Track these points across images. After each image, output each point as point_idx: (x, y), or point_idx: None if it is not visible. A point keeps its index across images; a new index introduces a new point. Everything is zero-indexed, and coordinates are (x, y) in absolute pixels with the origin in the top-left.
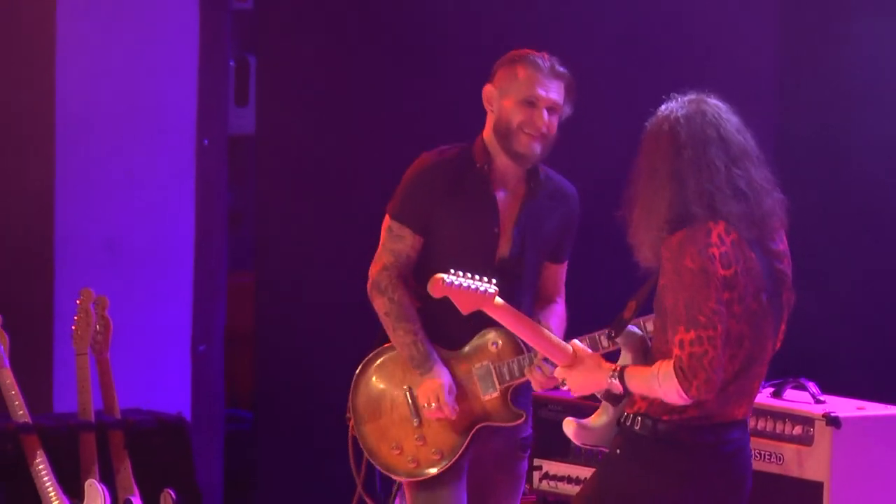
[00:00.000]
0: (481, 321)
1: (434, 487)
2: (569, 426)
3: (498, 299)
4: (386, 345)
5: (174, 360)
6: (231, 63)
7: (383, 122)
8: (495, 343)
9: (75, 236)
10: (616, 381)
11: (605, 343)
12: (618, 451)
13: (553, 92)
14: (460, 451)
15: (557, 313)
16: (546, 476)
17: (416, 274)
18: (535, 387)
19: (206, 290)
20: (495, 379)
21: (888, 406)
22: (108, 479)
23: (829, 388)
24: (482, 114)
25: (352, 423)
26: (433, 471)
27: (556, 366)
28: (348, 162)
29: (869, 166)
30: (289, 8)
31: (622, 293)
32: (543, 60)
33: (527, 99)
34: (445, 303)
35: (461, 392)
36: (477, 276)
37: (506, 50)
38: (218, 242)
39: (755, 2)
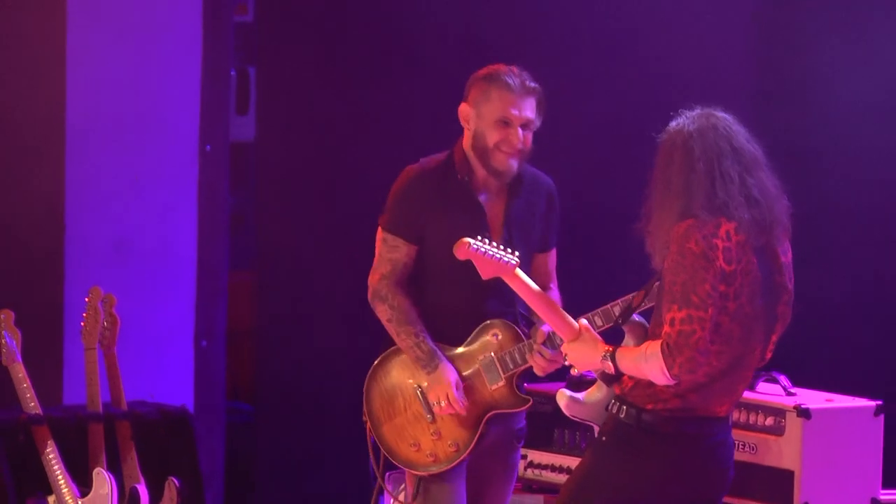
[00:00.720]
0: (478, 316)
1: (444, 479)
2: (562, 397)
3: (518, 270)
4: (392, 348)
5: (178, 354)
6: (232, 73)
7: (377, 130)
8: (496, 334)
9: (85, 237)
10: (608, 362)
11: (598, 321)
12: (603, 438)
13: (526, 109)
14: (475, 441)
15: (553, 299)
16: (531, 465)
17: (410, 282)
18: (538, 371)
19: (209, 288)
20: (499, 369)
21: (855, 398)
22: (114, 468)
23: (799, 381)
24: None
25: (369, 425)
26: (452, 462)
27: (554, 349)
28: (343, 167)
29: (837, 167)
30: (287, 21)
31: (609, 280)
32: (514, 78)
33: (501, 119)
34: (444, 303)
35: (469, 385)
36: (501, 246)
37: (499, 59)
38: (220, 243)
39: (730, 5)
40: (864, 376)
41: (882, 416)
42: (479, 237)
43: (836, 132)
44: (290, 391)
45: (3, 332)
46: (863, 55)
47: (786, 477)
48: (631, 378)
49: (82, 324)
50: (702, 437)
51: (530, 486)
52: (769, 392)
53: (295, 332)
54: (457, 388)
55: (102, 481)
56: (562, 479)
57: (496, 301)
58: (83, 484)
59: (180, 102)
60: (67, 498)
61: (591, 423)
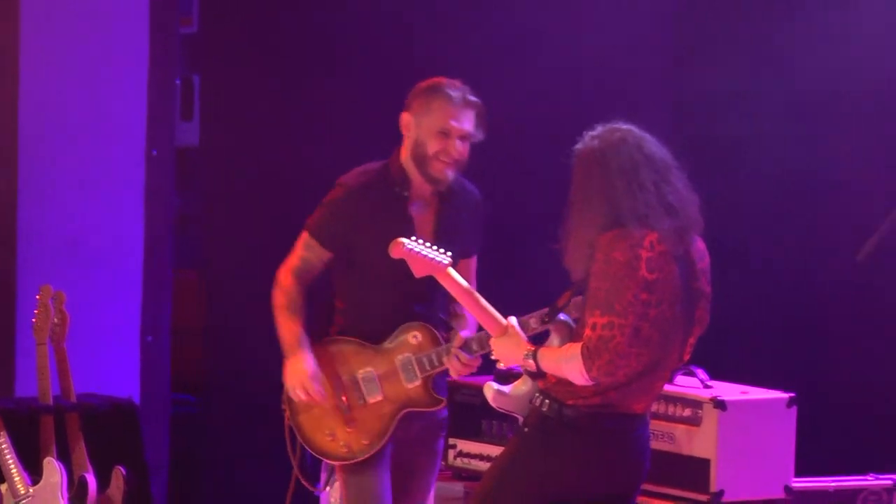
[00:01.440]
0: (401, 317)
1: (364, 469)
2: (488, 390)
3: (450, 269)
4: (316, 342)
5: (125, 349)
6: (177, 82)
7: (317, 135)
8: (416, 336)
9: (36, 237)
10: (531, 361)
11: (533, 324)
12: (526, 429)
13: (465, 122)
14: (387, 435)
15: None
16: (460, 454)
17: (341, 295)
18: (453, 374)
19: (155, 286)
20: (417, 369)
21: (769, 391)
22: (64, 458)
23: (716, 374)
24: None
25: (287, 413)
26: (364, 455)
27: (470, 354)
28: (284, 170)
29: (751, 161)
30: (230, 32)
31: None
32: (456, 91)
33: (441, 130)
34: (371, 304)
35: (387, 382)
36: (434, 247)
37: (437, 70)
38: (165, 243)
39: (649, 6)
40: (777, 370)
41: (794, 408)
42: (413, 238)
43: (744, 134)
44: (234, 384)
45: None
46: (767, 60)
47: (702, 465)
48: (553, 376)
49: (34, 320)
50: (620, 433)
51: (459, 475)
52: (687, 385)
53: (238, 328)
54: (313, 379)
55: (53, 470)
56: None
57: (420, 305)
58: (34, 473)
59: (128, 109)
60: (19, 486)
61: (516, 415)
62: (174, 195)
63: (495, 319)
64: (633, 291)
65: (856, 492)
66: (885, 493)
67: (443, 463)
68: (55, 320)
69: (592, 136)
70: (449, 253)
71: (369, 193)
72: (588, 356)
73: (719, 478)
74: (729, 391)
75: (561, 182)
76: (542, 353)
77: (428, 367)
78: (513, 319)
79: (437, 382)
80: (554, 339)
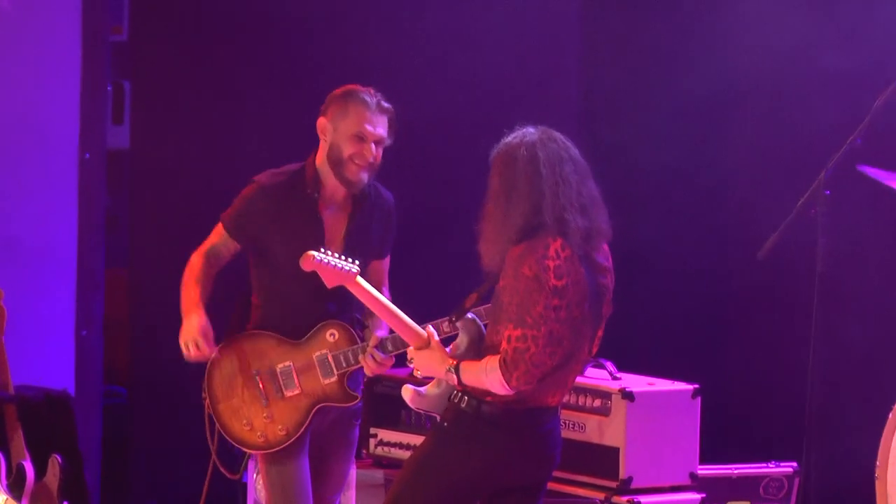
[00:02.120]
0: (315, 315)
1: (282, 459)
2: (406, 392)
3: (359, 278)
4: (237, 334)
5: (60, 343)
6: (109, 87)
7: (242, 138)
8: (332, 334)
9: None
10: (453, 375)
11: (445, 328)
12: (445, 423)
13: (379, 127)
14: (303, 428)
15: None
16: (381, 443)
17: (257, 291)
18: (368, 372)
19: (87, 283)
20: (333, 366)
21: (675, 382)
22: (3, 447)
23: (624, 366)
24: None
25: (207, 402)
26: (281, 445)
27: (385, 354)
28: (211, 172)
29: (653, 160)
30: (159, 40)
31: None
32: (371, 97)
33: (357, 134)
34: (287, 299)
35: (304, 377)
36: (343, 257)
37: (360, 75)
38: (97, 242)
39: (556, 8)
40: (682, 362)
41: (699, 399)
42: (323, 249)
43: (646, 132)
44: (162, 376)
45: None
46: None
47: (612, 453)
48: None
49: None
50: (533, 426)
51: (380, 462)
52: (597, 377)
53: (165, 322)
54: (202, 335)
55: None
56: (408, 455)
57: (335, 304)
58: None
59: (61, 114)
60: None
61: (434, 414)
62: (105, 197)
63: (411, 328)
64: (543, 303)
65: (758, 478)
66: (785, 480)
67: (364, 451)
68: None
69: (523, 132)
70: (357, 262)
71: (280, 193)
72: (506, 368)
73: (628, 465)
74: (637, 383)
75: (470, 182)
76: (464, 367)
77: (344, 365)
78: (431, 328)
79: (353, 378)
80: (463, 338)
